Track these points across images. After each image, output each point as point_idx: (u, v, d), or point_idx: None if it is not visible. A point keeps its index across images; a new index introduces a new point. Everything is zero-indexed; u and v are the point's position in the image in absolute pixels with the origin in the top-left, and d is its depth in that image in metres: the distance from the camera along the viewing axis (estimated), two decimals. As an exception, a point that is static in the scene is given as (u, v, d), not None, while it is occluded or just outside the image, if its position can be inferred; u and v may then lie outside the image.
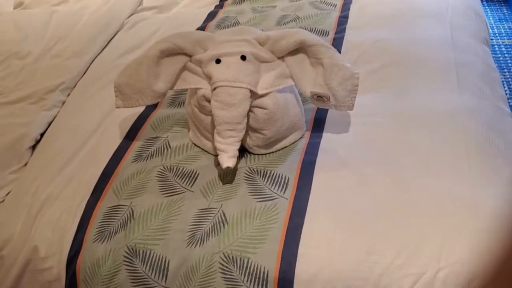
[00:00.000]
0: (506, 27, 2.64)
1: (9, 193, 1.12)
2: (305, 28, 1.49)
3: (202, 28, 1.59)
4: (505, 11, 2.80)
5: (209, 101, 1.02)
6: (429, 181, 0.96)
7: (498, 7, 2.84)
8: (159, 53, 1.02)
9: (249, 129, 1.04)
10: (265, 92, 1.00)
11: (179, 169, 1.08)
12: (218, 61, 1.00)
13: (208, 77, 1.01)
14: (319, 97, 1.01)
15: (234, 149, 0.99)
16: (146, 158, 1.12)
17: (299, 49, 1.02)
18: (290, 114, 1.06)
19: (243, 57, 1.00)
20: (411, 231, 0.89)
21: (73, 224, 1.02)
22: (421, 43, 1.35)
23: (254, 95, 1.00)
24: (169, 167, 1.09)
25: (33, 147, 1.23)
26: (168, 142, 1.16)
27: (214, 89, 0.98)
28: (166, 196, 1.02)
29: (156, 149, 1.14)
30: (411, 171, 0.98)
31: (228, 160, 0.97)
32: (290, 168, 1.04)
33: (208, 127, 1.07)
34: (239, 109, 0.97)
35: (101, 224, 1.01)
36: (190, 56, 1.05)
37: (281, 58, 1.05)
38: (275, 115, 1.02)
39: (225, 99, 0.97)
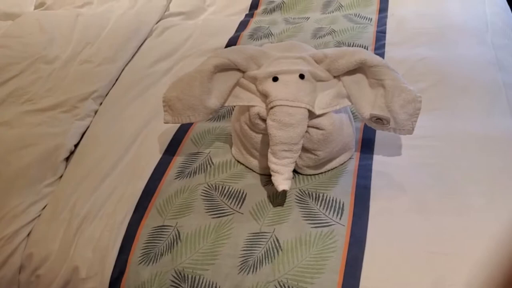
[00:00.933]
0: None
1: (45, 207, 1.07)
2: (342, 43, 1.46)
3: (235, 37, 1.55)
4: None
5: (263, 120, 0.97)
6: (491, 212, 0.92)
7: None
8: (213, 68, 0.97)
9: (302, 149, 0.99)
10: (322, 112, 0.96)
11: (225, 188, 1.04)
12: (275, 79, 0.96)
13: (264, 95, 0.97)
14: (378, 120, 0.97)
15: (289, 171, 0.94)
16: (189, 175, 1.08)
17: (358, 69, 0.98)
18: (344, 135, 1.02)
19: (302, 76, 0.96)
20: (477, 264, 0.85)
21: (116, 243, 0.98)
22: (466, 62, 1.31)
23: (311, 115, 0.96)
24: (214, 186, 1.04)
25: (67, 159, 1.17)
26: (211, 158, 1.11)
27: (272, 107, 0.94)
28: (214, 217, 0.98)
29: (199, 165, 1.10)
30: (473, 200, 0.95)
31: (283, 183, 0.93)
32: (344, 192, 0.99)
33: (257, 146, 1.03)
34: (297, 130, 0.93)
35: (146, 245, 0.96)
36: (243, 72, 1.00)
37: (337, 77, 1.01)
38: (330, 136, 0.98)
39: (283, 119, 0.92)
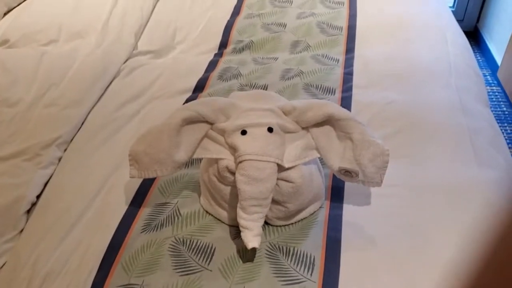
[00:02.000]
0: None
1: (4, 265, 1.01)
2: (311, 85, 1.47)
3: (204, 79, 1.54)
4: (479, 58, 2.90)
5: (232, 173, 0.96)
6: (463, 264, 0.93)
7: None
8: (181, 121, 0.96)
9: (272, 201, 0.98)
10: (291, 165, 0.96)
11: (193, 242, 1.01)
12: (244, 132, 0.95)
13: (233, 148, 0.96)
14: (347, 172, 0.98)
15: (259, 226, 0.93)
16: (156, 228, 1.05)
17: (326, 121, 0.99)
18: (314, 186, 1.02)
19: (270, 129, 0.95)
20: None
21: (80, 304, 0.93)
22: (431, 107, 1.34)
23: (280, 168, 0.95)
24: (182, 240, 1.01)
25: (28, 211, 1.13)
26: (178, 209, 1.09)
27: (240, 162, 0.93)
28: (181, 275, 0.95)
29: (166, 217, 1.07)
30: (440, 251, 0.95)
31: (253, 240, 0.91)
32: (314, 245, 0.98)
33: (226, 198, 1.01)
34: (267, 184, 0.92)
35: (111, 307, 0.92)
36: (212, 124, 0.99)
37: (306, 128, 1.01)
38: (300, 189, 0.98)
39: (252, 174, 0.91)
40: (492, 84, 2.64)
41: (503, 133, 2.30)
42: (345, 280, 0.92)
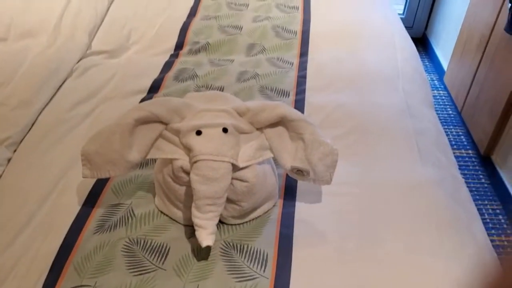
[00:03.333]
0: (429, 79, 2.85)
1: None
2: (266, 87, 1.50)
3: (159, 79, 1.54)
4: (427, 63, 3.04)
5: (187, 173, 0.97)
6: (408, 258, 0.98)
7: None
8: (134, 121, 0.96)
9: (226, 200, 1.00)
10: (246, 164, 0.98)
11: (147, 242, 1.01)
12: (198, 132, 0.96)
13: (187, 148, 0.97)
14: (298, 171, 1.01)
15: (213, 225, 0.94)
16: (109, 229, 1.04)
17: (279, 122, 1.02)
18: (267, 185, 1.04)
19: (225, 130, 0.97)
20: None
21: (29, 308, 0.91)
22: (380, 109, 1.40)
23: (234, 167, 0.97)
24: (135, 240, 1.01)
25: (-26, 213, 1.09)
26: (132, 210, 1.08)
27: (195, 162, 0.94)
28: (135, 275, 0.95)
29: (120, 218, 1.06)
30: (390, 247, 1.00)
31: (207, 238, 0.92)
32: (267, 242, 1.01)
33: (181, 198, 1.02)
34: (221, 184, 0.94)
35: (62, 309, 0.90)
36: (166, 124, 1.00)
37: (260, 129, 1.03)
38: (254, 188, 1.00)
39: (207, 174, 0.92)
40: (439, 88, 2.77)
41: (448, 135, 2.42)
42: (296, 276, 0.94)
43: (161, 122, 1.00)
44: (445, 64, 2.83)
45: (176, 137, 0.99)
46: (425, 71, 2.76)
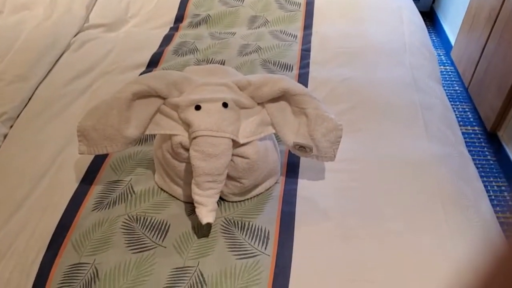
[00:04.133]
0: (435, 54, 2.79)
1: None
2: (268, 61, 1.46)
3: (159, 53, 1.50)
4: (434, 38, 2.97)
5: (186, 149, 0.94)
6: (411, 236, 0.96)
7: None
8: (132, 95, 0.93)
9: (227, 177, 0.97)
10: (247, 141, 0.95)
11: (146, 219, 0.99)
12: (198, 107, 0.93)
13: (186, 124, 0.94)
14: (301, 147, 0.98)
15: (213, 202, 0.92)
16: (108, 206, 1.02)
17: (281, 96, 0.98)
18: (269, 162, 1.02)
19: (225, 104, 0.94)
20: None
21: (27, 285, 0.90)
22: (386, 84, 1.36)
23: (235, 143, 0.94)
24: (135, 217, 0.99)
25: (-29, 190, 1.07)
26: (132, 187, 1.06)
27: (194, 138, 0.91)
28: (134, 252, 0.93)
29: (119, 194, 1.04)
30: (392, 224, 0.98)
31: (208, 215, 0.90)
32: (269, 220, 0.99)
33: (181, 174, 1.00)
34: (221, 160, 0.91)
35: (61, 286, 0.89)
36: (164, 98, 0.97)
37: (261, 104, 1.00)
38: (255, 164, 0.97)
39: (206, 150, 0.90)
40: (446, 64, 2.71)
41: (455, 111, 2.38)
42: (298, 253, 0.92)
43: (159, 96, 0.96)
44: (452, 39, 2.77)
45: (175, 112, 0.96)
46: (432, 46, 2.71)
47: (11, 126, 1.22)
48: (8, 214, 1.01)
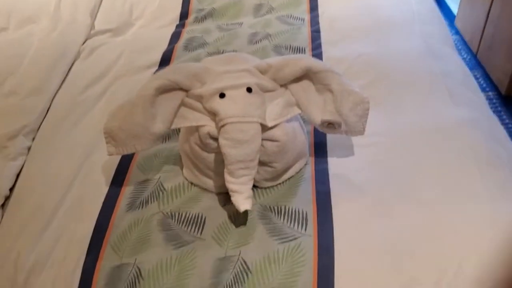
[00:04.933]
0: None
1: (-17, 264, 0.96)
2: (279, 46, 1.44)
3: (169, 51, 1.49)
4: (439, 10, 2.94)
5: (215, 139, 0.93)
6: (450, 203, 0.94)
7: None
8: (155, 91, 0.92)
9: (258, 163, 0.96)
10: (274, 123, 0.94)
11: (181, 214, 0.98)
12: (222, 95, 0.92)
13: (212, 113, 0.93)
14: (330, 124, 0.96)
15: (248, 189, 0.91)
16: (141, 205, 1.01)
17: (303, 76, 0.97)
18: (298, 143, 1.00)
19: (249, 89, 0.93)
20: (445, 258, 0.86)
21: (72, 292, 0.90)
22: (401, 55, 1.34)
23: (263, 128, 0.93)
24: (170, 213, 0.99)
25: (2, 206, 1.07)
26: (162, 184, 1.05)
27: (223, 126, 0.90)
28: (175, 248, 0.92)
29: (150, 193, 1.04)
30: (430, 193, 0.96)
31: (245, 202, 0.89)
32: (305, 201, 0.98)
33: (211, 165, 0.99)
34: (252, 146, 0.90)
35: (106, 289, 0.89)
36: (187, 91, 0.96)
37: (284, 85, 0.98)
38: (285, 147, 0.96)
39: (236, 137, 0.89)
40: (451, 33, 2.67)
41: (467, 79, 2.34)
42: (339, 230, 0.91)
43: (182, 89, 0.95)
44: (453, 7, 2.73)
45: (199, 103, 0.95)
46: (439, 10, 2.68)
47: (33, 139, 1.22)
48: (42, 225, 1.00)
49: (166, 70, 0.97)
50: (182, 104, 0.97)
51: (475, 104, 1.19)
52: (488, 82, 2.29)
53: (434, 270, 0.84)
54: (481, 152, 1.04)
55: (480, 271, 0.83)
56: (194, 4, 1.71)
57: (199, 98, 0.94)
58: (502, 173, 1.01)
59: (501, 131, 1.15)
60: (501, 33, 2.07)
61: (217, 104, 0.91)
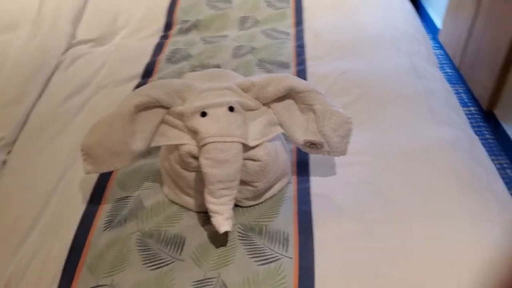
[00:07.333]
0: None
1: (-46, 284, 0.93)
2: (263, 61, 1.44)
3: (152, 63, 1.47)
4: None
5: (195, 158, 0.92)
6: (432, 222, 0.94)
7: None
8: (134, 108, 0.90)
9: (240, 182, 0.95)
10: (256, 143, 0.93)
11: (160, 233, 0.96)
12: (203, 113, 0.90)
13: (193, 132, 0.91)
14: (312, 145, 0.96)
15: (229, 209, 0.89)
16: (119, 224, 0.99)
17: (286, 95, 0.96)
18: (280, 162, 0.99)
19: (231, 108, 0.91)
20: (427, 281, 0.86)
21: (45, 314, 0.87)
22: (386, 73, 1.35)
23: (245, 147, 0.92)
24: (148, 233, 0.96)
25: (-24, 221, 1.03)
26: (141, 202, 1.03)
27: (204, 145, 0.88)
28: (153, 269, 0.90)
29: (129, 211, 1.01)
30: (411, 213, 0.96)
31: (224, 223, 0.88)
32: (286, 221, 0.96)
33: (191, 184, 0.97)
34: (233, 166, 0.88)
35: (80, 312, 0.86)
36: (168, 108, 0.94)
37: (267, 104, 0.97)
38: (267, 166, 0.95)
39: (217, 156, 0.87)
40: (435, 47, 2.71)
41: (449, 93, 2.37)
42: (320, 252, 0.90)
43: (163, 106, 0.93)
44: (438, 22, 2.76)
45: (180, 121, 0.94)
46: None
47: (9, 152, 1.18)
48: (18, 242, 0.97)
49: (147, 86, 0.95)
50: (163, 121, 0.95)
51: (457, 123, 1.20)
52: (470, 97, 2.32)
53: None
54: (463, 172, 1.04)
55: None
56: (178, 15, 1.69)
57: (180, 116, 0.93)
58: (483, 194, 1.01)
59: (481, 151, 1.16)
60: (484, 49, 2.09)
61: (198, 122, 0.90)
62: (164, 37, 1.64)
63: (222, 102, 0.91)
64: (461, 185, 1.01)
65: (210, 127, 0.89)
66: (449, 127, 1.17)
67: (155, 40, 1.62)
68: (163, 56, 1.50)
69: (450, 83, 2.45)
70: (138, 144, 0.92)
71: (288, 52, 1.47)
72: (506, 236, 0.94)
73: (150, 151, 1.16)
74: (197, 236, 0.95)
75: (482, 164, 1.10)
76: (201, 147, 0.89)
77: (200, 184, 0.95)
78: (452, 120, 1.21)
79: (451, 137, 1.13)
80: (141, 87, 0.95)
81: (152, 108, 0.93)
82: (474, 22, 2.19)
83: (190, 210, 1.01)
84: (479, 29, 2.14)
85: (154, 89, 0.93)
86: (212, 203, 0.89)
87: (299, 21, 1.62)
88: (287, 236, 0.94)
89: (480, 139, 2.10)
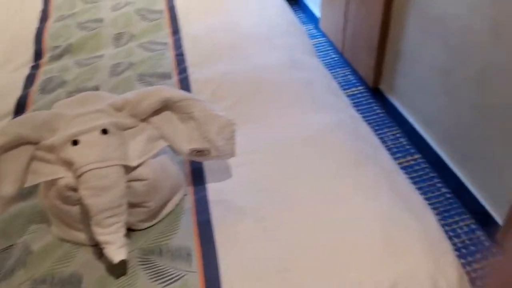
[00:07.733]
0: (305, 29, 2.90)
1: None
2: (144, 75, 1.40)
3: (24, 96, 1.37)
4: (301, 15, 3.09)
5: (74, 190, 0.86)
6: (327, 209, 0.96)
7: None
8: (-3, 150, 0.82)
9: (129, 205, 0.91)
10: (139, 162, 0.89)
11: (54, 277, 0.89)
12: (75, 142, 0.85)
13: (67, 163, 0.85)
14: (198, 152, 0.94)
15: (120, 237, 0.85)
16: (5, 277, 0.90)
17: (164, 107, 0.93)
18: (171, 176, 0.96)
19: (104, 131, 0.87)
20: (330, 267, 0.87)
21: None
22: (266, 69, 1.37)
23: (127, 169, 0.88)
24: (40, 279, 0.89)
25: None
26: (29, 247, 0.95)
27: (80, 175, 0.83)
28: (50, 318, 0.83)
29: (16, 260, 0.93)
30: (307, 202, 0.98)
31: (118, 252, 0.83)
32: (187, 235, 0.94)
33: (77, 218, 0.91)
34: (116, 191, 0.84)
35: None
36: (36, 143, 0.87)
37: (145, 120, 0.94)
38: (156, 184, 0.92)
39: (97, 184, 0.82)
40: (318, 36, 2.82)
41: (337, 77, 2.48)
42: (224, 258, 0.89)
43: (30, 142, 0.86)
44: (316, 11, 2.89)
45: (52, 154, 0.87)
46: (301, 23, 2.81)
47: None
48: None
49: (10, 123, 0.87)
50: (33, 158, 0.88)
51: (339, 106, 1.25)
52: (357, 77, 2.44)
53: (322, 280, 0.85)
54: (349, 153, 1.08)
55: (362, 273, 0.85)
56: (48, 42, 1.59)
57: (51, 149, 0.86)
58: (372, 170, 1.06)
59: (365, 128, 1.21)
60: (360, 31, 2.22)
61: (71, 152, 0.84)
62: (35, 67, 1.53)
63: (93, 127, 0.86)
64: (349, 165, 1.05)
65: (85, 155, 0.83)
66: (331, 112, 1.21)
67: (26, 71, 1.51)
68: (35, 87, 1.40)
69: (337, 68, 2.58)
70: (8, 188, 0.84)
71: (168, 62, 1.44)
72: (396, 206, 0.98)
73: (30, 192, 1.07)
74: (95, 270, 0.89)
75: (367, 140, 1.15)
76: (77, 177, 0.83)
77: (87, 216, 0.89)
78: (333, 104, 1.26)
79: (334, 120, 1.18)
80: (3, 125, 0.87)
81: (18, 146, 0.85)
82: (348, 7, 2.31)
83: (83, 245, 0.95)
84: (353, 13, 2.26)
85: (17, 125, 0.86)
86: (101, 234, 0.84)
87: (175, 30, 1.60)
88: (189, 250, 0.91)
89: (372, 115, 2.24)
